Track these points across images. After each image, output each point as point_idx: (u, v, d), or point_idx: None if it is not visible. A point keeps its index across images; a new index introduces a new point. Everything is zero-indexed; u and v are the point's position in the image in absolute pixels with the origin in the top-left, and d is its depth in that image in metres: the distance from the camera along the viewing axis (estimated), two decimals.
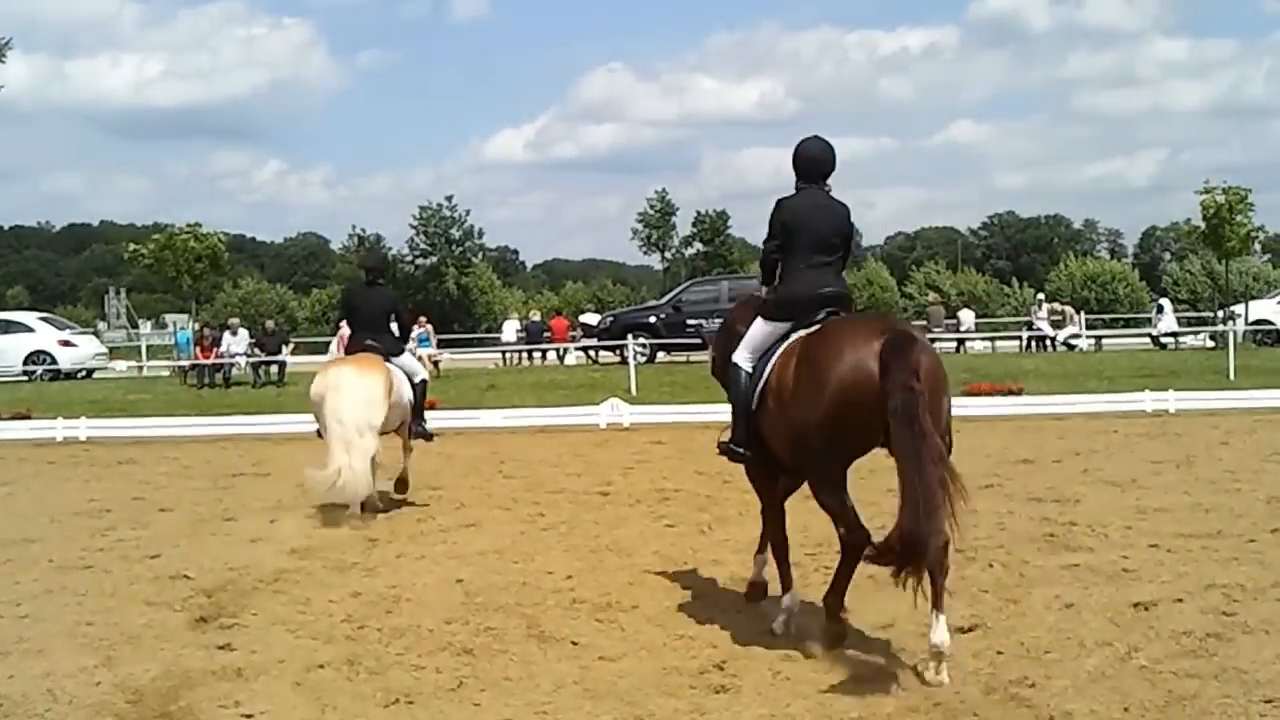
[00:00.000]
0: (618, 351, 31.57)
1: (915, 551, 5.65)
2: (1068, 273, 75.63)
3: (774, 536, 7.22)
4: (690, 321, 32.75)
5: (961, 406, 19.41)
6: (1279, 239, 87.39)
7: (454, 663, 6.30)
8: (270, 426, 20.21)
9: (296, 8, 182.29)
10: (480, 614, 7.28)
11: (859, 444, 6.21)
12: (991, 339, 41.93)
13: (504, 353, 39.40)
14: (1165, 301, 41.06)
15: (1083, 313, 45.30)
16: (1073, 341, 36.94)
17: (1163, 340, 36.78)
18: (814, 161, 7.09)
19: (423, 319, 35.19)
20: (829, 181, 7.14)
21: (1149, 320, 42.08)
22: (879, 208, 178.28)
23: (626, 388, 23.36)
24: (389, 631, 6.94)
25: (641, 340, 30.54)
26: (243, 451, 17.60)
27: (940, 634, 5.81)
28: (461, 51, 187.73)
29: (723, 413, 19.61)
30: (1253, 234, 35.17)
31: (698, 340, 32.14)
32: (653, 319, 32.88)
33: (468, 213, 79.84)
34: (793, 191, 7.08)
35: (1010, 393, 20.94)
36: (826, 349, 6.25)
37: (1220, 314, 35.54)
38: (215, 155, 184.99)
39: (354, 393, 10.85)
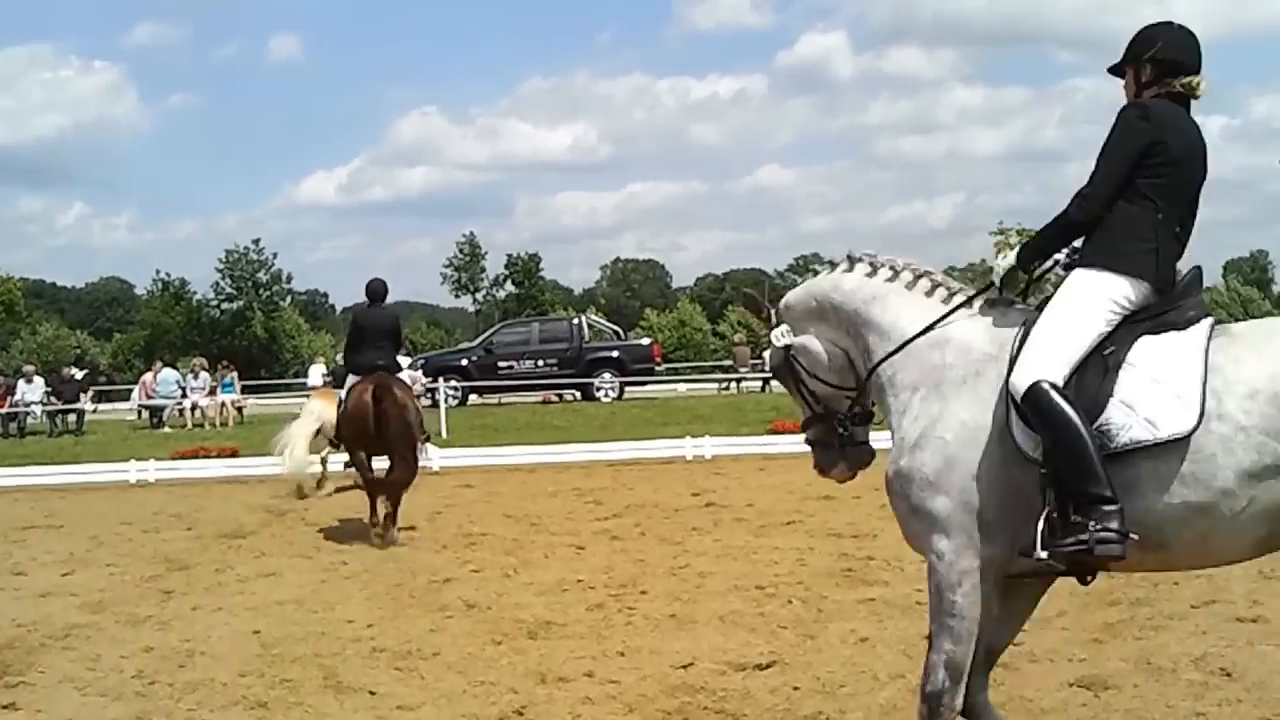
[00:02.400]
0: (429, 394, 31.39)
1: (401, 486, 11.86)
2: None
3: (370, 492, 12.38)
4: (502, 363, 32.64)
5: (766, 444, 19.94)
6: None
7: (248, 717, 6.15)
8: (65, 477, 19.60)
9: (107, 51, 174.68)
10: (276, 665, 7.11)
11: (364, 440, 12.01)
12: None
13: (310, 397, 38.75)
14: None
15: None
16: None
17: None
18: (374, 292, 12.66)
19: (225, 363, 34.53)
20: (386, 300, 12.94)
21: None
22: (690, 249, 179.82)
23: (437, 431, 23.10)
24: (181, 686, 6.73)
25: (453, 383, 30.41)
26: (35, 503, 16.97)
27: (393, 535, 11.65)
28: (274, 95, 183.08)
29: (532, 454, 19.40)
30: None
31: (511, 382, 32.11)
32: (464, 361, 32.60)
33: (275, 256, 78.68)
34: (364, 306, 12.92)
35: None
36: (350, 391, 12.18)
37: None
38: (17, 200, 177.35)
39: (308, 414, 15.52)
